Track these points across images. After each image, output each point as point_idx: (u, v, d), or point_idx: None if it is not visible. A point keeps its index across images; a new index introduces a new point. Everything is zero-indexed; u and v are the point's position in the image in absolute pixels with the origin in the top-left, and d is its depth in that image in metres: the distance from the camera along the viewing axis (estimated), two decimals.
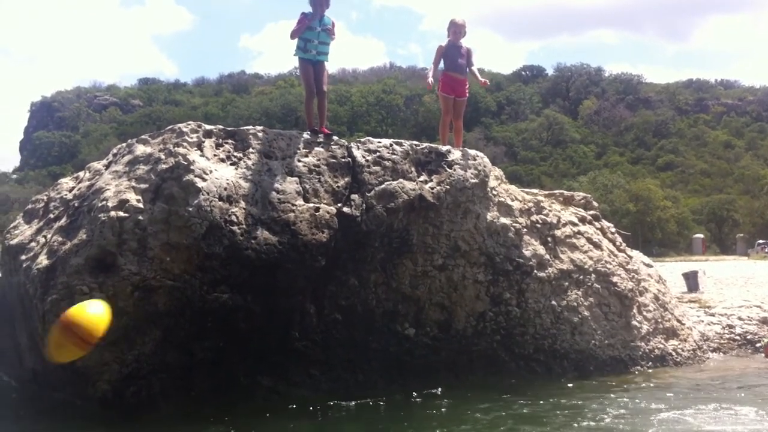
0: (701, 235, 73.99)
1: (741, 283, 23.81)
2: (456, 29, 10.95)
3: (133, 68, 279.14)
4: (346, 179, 9.46)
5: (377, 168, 9.62)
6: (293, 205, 8.96)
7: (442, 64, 11.00)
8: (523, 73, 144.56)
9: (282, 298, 8.86)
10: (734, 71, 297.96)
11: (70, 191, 9.68)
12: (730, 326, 13.34)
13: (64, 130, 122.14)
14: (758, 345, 12.64)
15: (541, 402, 8.89)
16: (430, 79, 11.06)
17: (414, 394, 9.15)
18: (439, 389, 9.35)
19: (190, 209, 8.38)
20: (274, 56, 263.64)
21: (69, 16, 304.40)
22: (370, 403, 8.76)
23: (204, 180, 8.58)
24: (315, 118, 10.09)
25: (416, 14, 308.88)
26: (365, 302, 9.42)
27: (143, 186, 8.54)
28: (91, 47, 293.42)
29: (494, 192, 10.41)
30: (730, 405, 8.47)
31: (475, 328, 10.03)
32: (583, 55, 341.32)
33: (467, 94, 11.24)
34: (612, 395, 9.26)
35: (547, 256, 10.61)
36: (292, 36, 9.97)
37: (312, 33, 9.99)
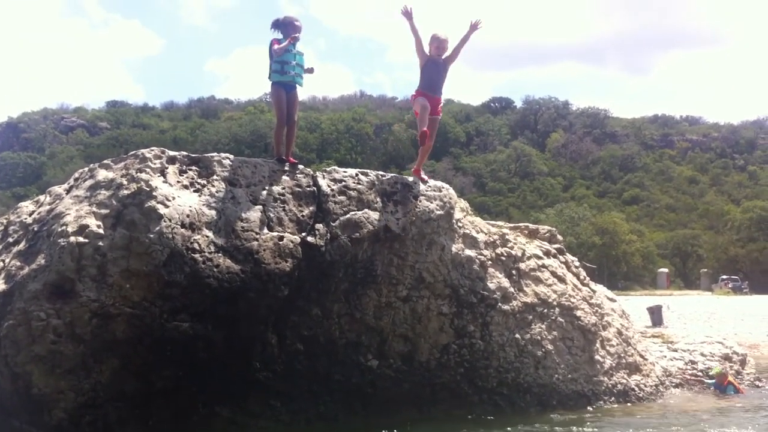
0: (666, 270, 74.82)
1: (704, 318, 24.12)
2: (438, 44, 10.41)
3: (101, 91, 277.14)
4: (310, 208, 9.39)
5: (342, 198, 9.57)
6: (257, 233, 8.87)
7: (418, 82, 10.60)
8: (492, 104, 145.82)
9: (243, 328, 8.73)
10: (697, 107, 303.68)
11: (30, 215, 9.50)
12: (693, 362, 13.39)
13: (29, 151, 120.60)
14: (710, 374, 12.73)
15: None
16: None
17: None
18: None
19: (152, 236, 8.27)
20: (242, 81, 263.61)
21: (37, 37, 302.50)
22: None
23: (166, 206, 8.48)
24: (282, 146, 10.02)
25: (381, 44, 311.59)
26: (328, 333, 9.31)
27: (104, 211, 8.42)
28: (59, 69, 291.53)
29: (459, 224, 10.39)
30: None
31: (439, 361, 9.96)
32: (548, 88, 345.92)
33: (440, 114, 10.92)
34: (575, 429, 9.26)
35: (512, 289, 10.59)
36: (278, 53, 9.81)
37: (290, 55, 9.92)
